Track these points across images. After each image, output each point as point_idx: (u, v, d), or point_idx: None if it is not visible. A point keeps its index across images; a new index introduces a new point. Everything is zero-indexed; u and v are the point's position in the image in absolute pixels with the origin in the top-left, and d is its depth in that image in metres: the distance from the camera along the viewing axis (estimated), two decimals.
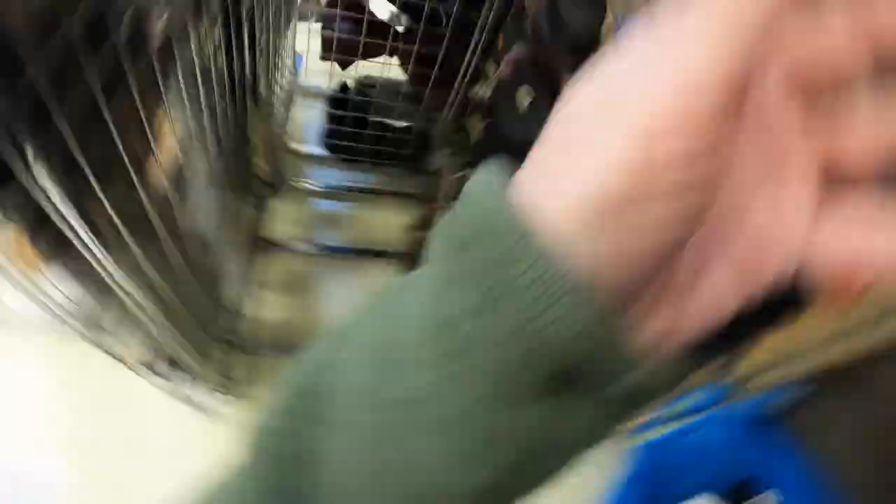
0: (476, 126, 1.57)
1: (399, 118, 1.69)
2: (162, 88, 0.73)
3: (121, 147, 0.63)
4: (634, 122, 0.21)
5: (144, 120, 0.68)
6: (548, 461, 0.26)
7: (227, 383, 1.38)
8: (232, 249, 1.45)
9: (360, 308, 0.30)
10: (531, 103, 1.16)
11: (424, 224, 1.74)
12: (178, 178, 0.89)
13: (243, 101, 1.38)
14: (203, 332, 1.19)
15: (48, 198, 0.52)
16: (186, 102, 0.86)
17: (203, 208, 1.08)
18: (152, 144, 0.74)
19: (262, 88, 1.53)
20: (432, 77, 1.51)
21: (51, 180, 0.50)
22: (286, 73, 1.63)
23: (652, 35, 0.22)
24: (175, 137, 0.83)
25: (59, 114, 0.48)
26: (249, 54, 1.32)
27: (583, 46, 1.05)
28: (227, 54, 1.12)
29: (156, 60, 0.68)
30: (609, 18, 1.06)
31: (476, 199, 0.25)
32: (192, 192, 0.98)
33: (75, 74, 0.51)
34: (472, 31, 1.45)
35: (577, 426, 0.25)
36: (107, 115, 0.58)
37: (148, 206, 0.75)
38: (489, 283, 0.23)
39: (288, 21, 1.61)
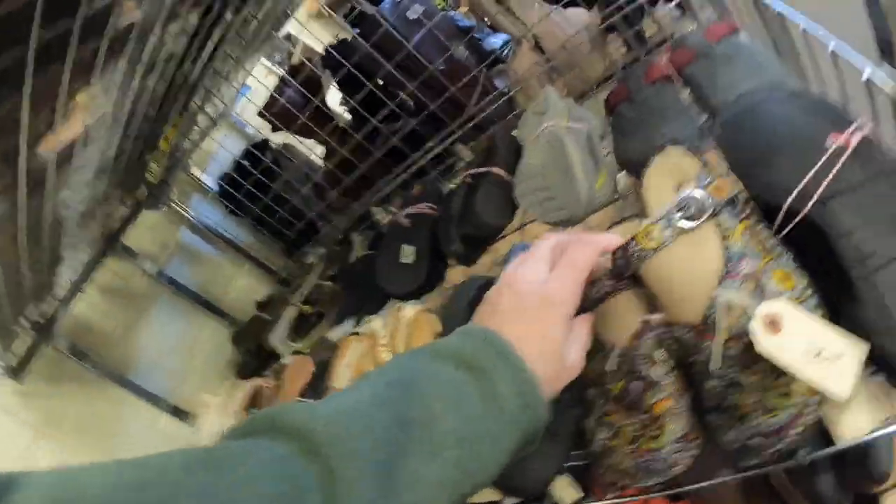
0: (359, 249, 1.58)
1: (298, 202, 1.67)
2: (100, 70, 0.71)
3: (26, 110, 0.61)
4: (558, 313, 0.53)
5: (65, 94, 0.66)
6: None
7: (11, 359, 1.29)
8: (85, 239, 1.37)
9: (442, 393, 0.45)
10: (411, 263, 1.17)
11: (269, 306, 1.69)
12: (68, 157, 0.86)
13: (171, 106, 1.35)
14: (15, 303, 1.10)
15: None
16: (118, 91, 0.83)
17: (79, 191, 1.03)
18: (57, 118, 0.71)
19: (196, 101, 1.50)
20: (343, 184, 1.52)
21: None
22: (225, 99, 1.60)
23: (537, 269, 0.55)
24: (87, 118, 0.80)
25: None
26: (202, 67, 1.31)
27: (477, 238, 1.08)
28: (181, 59, 1.10)
29: (107, 42, 0.66)
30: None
31: (491, 341, 0.49)
32: (75, 174, 0.94)
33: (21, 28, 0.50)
34: (400, 163, 1.49)
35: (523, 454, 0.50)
36: (28, 78, 0.56)
37: (21, 170, 0.72)
38: (517, 401, 0.47)
39: (254, 53, 1.62)
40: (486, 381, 0.46)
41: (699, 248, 0.59)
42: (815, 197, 0.56)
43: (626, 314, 0.66)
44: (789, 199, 0.57)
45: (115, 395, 1.53)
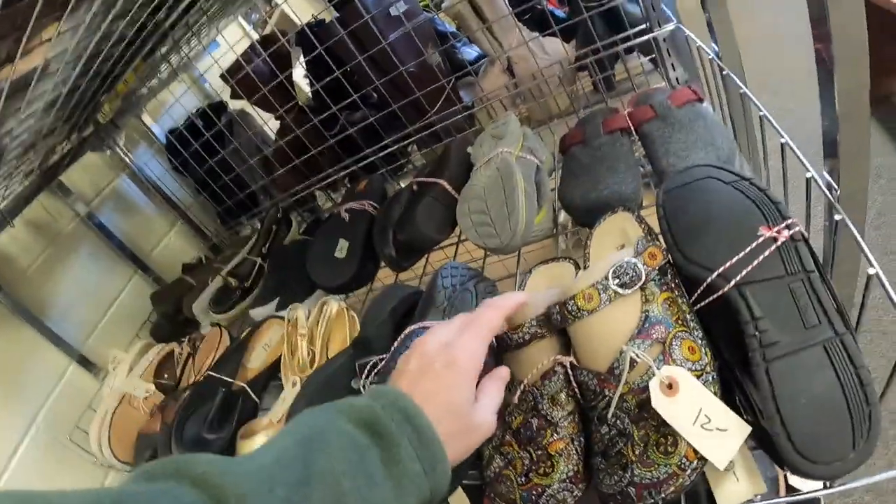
0: (295, 232, 1.57)
1: (244, 172, 1.65)
2: (71, 7, 0.69)
3: None
4: (462, 374, 0.58)
5: (30, 26, 0.64)
6: None
7: None
8: (22, 171, 1.33)
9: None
10: (343, 257, 1.17)
11: (195, 271, 1.67)
12: (22, 88, 0.83)
13: (136, 51, 1.31)
14: None
15: None
16: (85, 29, 0.81)
17: (25, 122, 0.99)
18: (20, 49, 0.69)
19: (162, 49, 1.47)
20: (291, 163, 1.51)
21: None
22: (191, 53, 1.57)
23: (446, 332, 0.62)
24: (49, 52, 0.78)
25: None
26: (175, 18, 1.28)
27: (412, 246, 1.09)
28: (156, 6, 1.07)
29: None
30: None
31: (399, 405, 0.52)
32: (25, 105, 0.91)
33: None
34: (352, 154, 1.48)
35: None
36: None
37: None
38: (418, 466, 0.50)
39: (231, 10, 1.58)
40: (390, 447, 0.49)
41: (622, 307, 0.64)
42: (735, 280, 0.60)
43: (539, 354, 0.70)
44: (711, 277, 0.61)
45: (24, 335, 1.48)
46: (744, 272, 0.60)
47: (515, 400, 0.70)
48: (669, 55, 1.20)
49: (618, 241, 0.80)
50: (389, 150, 1.45)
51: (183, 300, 1.51)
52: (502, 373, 0.64)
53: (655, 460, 0.59)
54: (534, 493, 0.65)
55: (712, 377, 0.61)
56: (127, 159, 1.80)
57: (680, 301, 0.66)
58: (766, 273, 0.60)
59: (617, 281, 0.63)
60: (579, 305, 0.63)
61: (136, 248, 1.78)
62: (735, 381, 0.61)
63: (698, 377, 0.59)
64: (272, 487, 0.43)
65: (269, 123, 1.64)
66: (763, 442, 0.58)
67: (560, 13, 1.53)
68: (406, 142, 1.44)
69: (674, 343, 0.61)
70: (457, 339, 0.60)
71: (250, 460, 0.46)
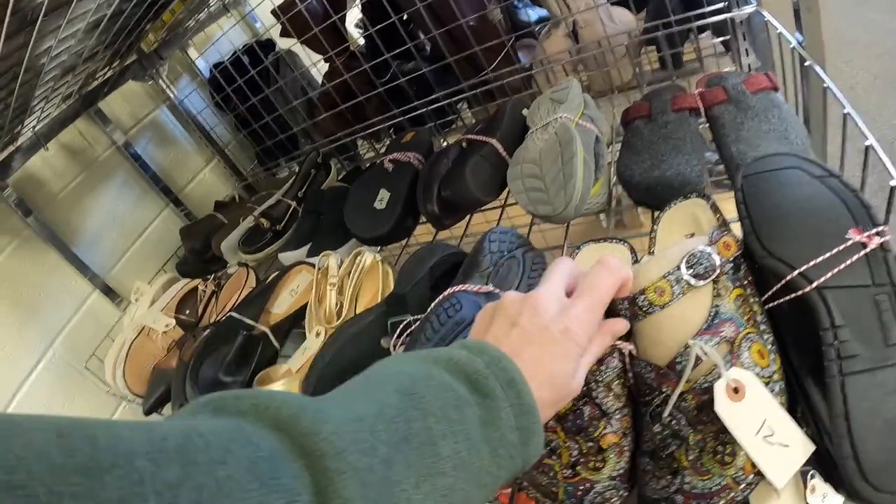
0: (334, 178, 1.53)
1: (286, 114, 1.61)
2: None
3: None
4: (574, 346, 0.51)
5: None
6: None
7: None
8: (61, 94, 1.30)
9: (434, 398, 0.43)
10: (382, 209, 1.13)
11: (227, 209, 1.64)
12: (64, 5, 0.79)
13: None
14: None
15: None
16: None
17: (66, 42, 0.96)
18: None
19: None
20: (336, 108, 1.46)
21: None
22: None
23: (557, 295, 0.55)
24: None
25: None
26: None
27: (456, 205, 1.05)
28: None
29: None
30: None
31: (504, 367, 0.47)
32: (66, 25, 0.87)
33: None
34: (400, 105, 1.44)
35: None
36: None
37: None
38: (516, 436, 0.45)
39: None
40: (491, 409, 0.44)
41: (691, 299, 0.58)
42: (818, 282, 0.54)
43: None
44: (792, 274, 0.56)
45: (50, 260, 1.46)
46: (829, 274, 0.54)
47: None
48: (744, 39, 1.14)
49: (687, 229, 0.74)
50: (439, 104, 1.40)
51: (212, 237, 1.48)
52: (614, 328, 0.58)
53: (710, 469, 0.54)
54: (580, 488, 0.60)
55: (779, 387, 0.56)
56: (168, 91, 1.75)
57: (752, 300, 0.60)
58: (852, 280, 0.54)
59: (691, 271, 0.58)
60: (651, 300, 0.58)
61: (169, 182, 1.75)
62: (801, 391, 0.56)
63: (766, 385, 0.54)
64: (375, 446, 0.38)
65: (318, 66, 1.59)
66: (821, 461, 0.53)
67: None
68: (457, 98, 1.39)
69: (743, 344, 0.56)
70: (573, 307, 0.53)
71: (345, 407, 0.40)
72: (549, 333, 0.51)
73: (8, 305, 1.38)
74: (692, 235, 0.72)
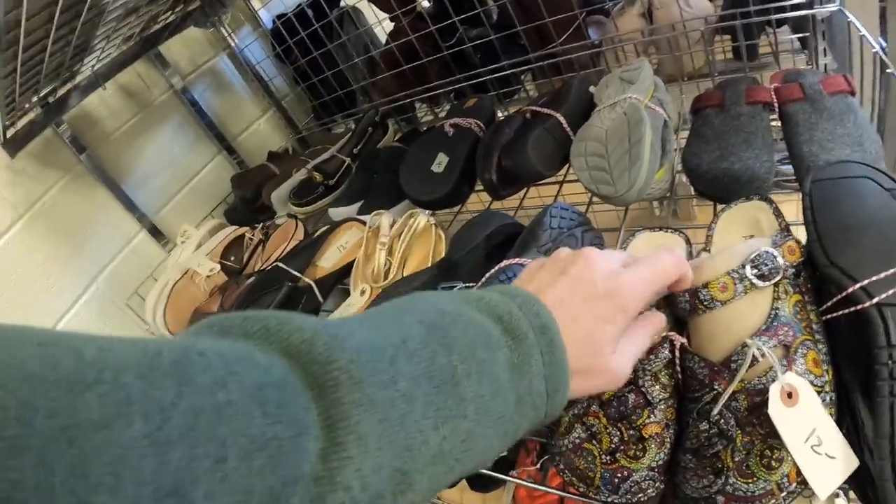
0: (391, 138, 1.53)
1: (347, 70, 1.61)
2: None
3: None
4: (618, 312, 0.48)
5: None
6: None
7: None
8: (122, 35, 1.31)
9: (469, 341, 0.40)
10: (440, 172, 1.13)
11: (280, 160, 1.65)
12: None
13: None
14: (33, 77, 1.04)
15: None
16: None
17: None
18: None
19: None
20: (398, 68, 1.45)
21: None
22: None
23: (619, 258, 0.52)
24: None
25: None
26: None
27: (514, 175, 1.04)
28: None
29: None
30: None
31: (539, 313, 0.44)
32: None
33: None
34: (463, 70, 1.42)
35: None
36: None
37: None
38: (543, 386, 0.42)
39: None
40: (522, 353, 0.42)
41: (751, 300, 0.57)
42: (879, 298, 0.52)
43: None
44: (853, 287, 0.54)
45: (100, 197, 1.49)
46: (891, 291, 0.52)
47: None
48: (823, 38, 1.10)
49: (746, 230, 0.73)
50: (504, 73, 1.38)
51: (263, 187, 1.49)
52: (656, 319, 0.54)
53: (756, 472, 0.53)
54: (618, 475, 0.59)
55: (830, 398, 0.55)
56: (229, 39, 1.75)
57: (809, 308, 0.59)
58: None
59: (755, 271, 0.56)
60: (713, 295, 0.57)
61: (224, 129, 1.76)
62: (849, 406, 0.55)
63: (818, 393, 0.53)
64: (395, 379, 0.34)
65: (383, 24, 1.58)
66: (859, 479, 0.52)
67: None
68: (523, 68, 1.37)
69: (799, 350, 0.55)
70: (629, 272, 0.50)
71: (365, 334, 0.36)
72: (596, 290, 0.48)
73: (56, 238, 1.41)
74: (751, 237, 0.71)
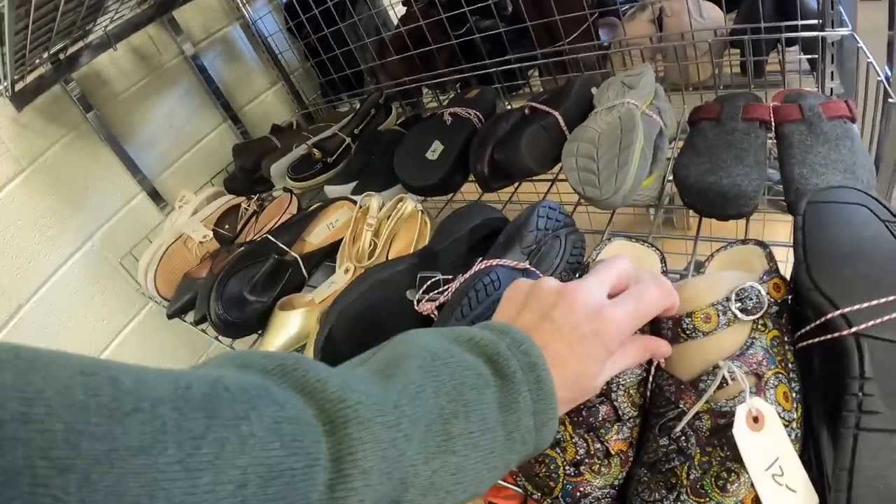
0: (393, 121, 1.53)
1: (357, 50, 1.61)
2: None
3: None
4: (604, 350, 0.49)
5: None
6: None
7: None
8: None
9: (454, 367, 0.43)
10: (434, 160, 1.13)
11: (283, 134, 1.65)
12: None
13: None
14: (44, 34, 1.05)
15: None
16: None
17: None
18: None
19: None
20: (407, 53, 1.45)
21: None
22: None
23: (599, 293, 0.52)
24: None
25: None
26: None
27: (506, 170, 1.04)
28: None
29: None
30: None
31: (528, 353, 0.45)
32: None
33: None
34: (470, 60, 1.42)
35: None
36: None
37: None
38: (531, 422, 0.44)
39: None
40: (510, 391, 0.44)
41: (732, 330, 0.58)
42: (858, 328, 0.52)
43: None
44: (833, 313, 0.54)
45: (103, 157, 1.50)
46: (871, 322, 0.51)
47: None
48: (832, 62, 1.10)
49: (738, 268, 0.72)
50: (510, 66, 1.38)
51: (263, 159, 1.49)
52: (657, 348, 0.57)
53: (709, 492, 0.52)
54: (580, 489, 0.58)
55: (796, 435, 0.54)
56: (243, 10, 1.77)
57: (786, 346, 0.59)
58: (893, 334, 0.51)
59: (739, 305, 0.57)
60: (696, 325, 0.58)
61: (230, 98, 1.77)
62: (812, 435, 0.55)
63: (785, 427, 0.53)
64: (399, 421, 0.37)
65: (395, 8, 1.58)
66: None
67: None
68: (529, 64, 1.37)
69: (771, 381, 0.55)
70: (613, 307, 0.51)
71: (370, 377, 0.40)
72: (580, 332, 0.49)
73: (56, 193, 1.42)
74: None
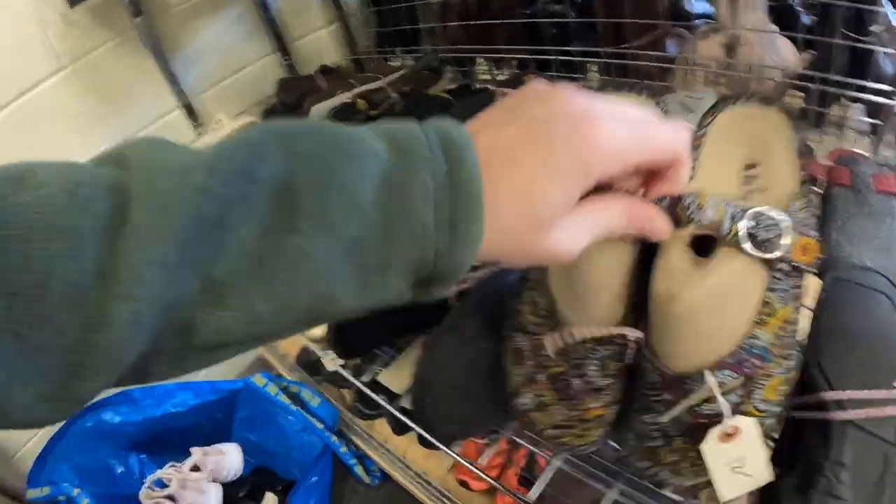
0: (443, 85, 1.52)
1: (420, 8, 1.58)
2: None
3: None
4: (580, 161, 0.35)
5: None
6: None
7: None
8: None
9: (327, 132, 0.33)
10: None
11: (331, 76, 1.64)
12: None
13: None
14: None
15: None
16: None
17: None
18: None
19: None
20: (469, 21, 1.44)
21: None
22: None
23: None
24: None
25: None
26: None
27: None
28: None
29: None
30: None
31: (442, 126, 0.35)
32: None
33: None
34: (532, 43, 1.40)
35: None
36: None
37: None
38: (435, 195, 0.32)
39: None
40: (405, 167, 0.33)
41: (734, 284, 0.50)
42: (848, 415, 0.52)
43: (604, 308, 0.57)
44: (828, 395, 0.54)
45: (145, 66, 1.49)
46: (863, 413, 0.52)
47: (560, 344, 0.56)
48: (893, 132, 1.08)
49: (745, 153, 0.60)
50: (571, 58, 1.36)
51: (307, 98, 1.48)
52: (619, 204, 0.40)
53: (683, 473, 0.57)
54: (564, 449, 0.65)
55: (772, 424, 0.54)
56: None
57: (793, 327, 0.53)
58: (880, 430, 0.51)
59: (751, 225, 0.48)
60: (700, 204, 0.48)
61: (284, 29, 1.75)
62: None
63: (765, 419, 0.53)
64: (192, 169, 0.29)
65: None
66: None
67: (806, 18, 1.38)
68: (590, 59, 1.35)
69: (761, 381, 0.51)
70: (612, 121, 0.36)
71: (203, 149, 0.32)
72: (553, 128, 0.35)
73: (95, 96, 1.41)
74: (753, 167, 0.60)
